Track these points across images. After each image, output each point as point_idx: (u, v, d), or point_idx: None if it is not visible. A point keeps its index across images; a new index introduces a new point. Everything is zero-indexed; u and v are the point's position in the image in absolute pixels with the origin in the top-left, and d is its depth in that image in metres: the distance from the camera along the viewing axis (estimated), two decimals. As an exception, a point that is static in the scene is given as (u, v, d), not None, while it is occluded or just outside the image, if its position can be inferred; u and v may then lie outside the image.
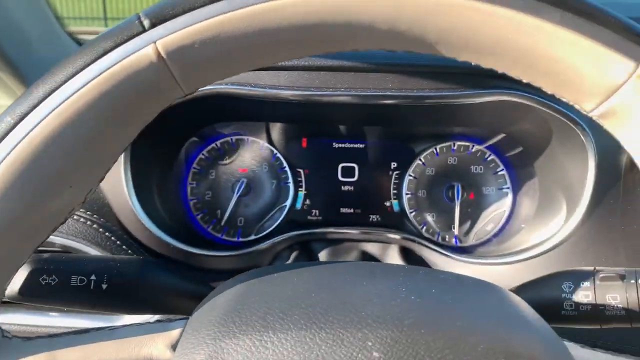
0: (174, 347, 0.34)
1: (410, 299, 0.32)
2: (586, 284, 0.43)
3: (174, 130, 0.69)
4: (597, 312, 0.42)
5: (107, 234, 0.62)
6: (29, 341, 0.34)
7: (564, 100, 0.31)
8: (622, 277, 0.42)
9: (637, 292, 0.42)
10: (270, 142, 0.72)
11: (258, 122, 0.71)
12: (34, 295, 0.42)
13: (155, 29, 0.29)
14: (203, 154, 0.72)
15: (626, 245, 0.59)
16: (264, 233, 0.72)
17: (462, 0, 0.28)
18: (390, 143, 0.72)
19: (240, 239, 0.72)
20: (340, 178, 0.72)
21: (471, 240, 0.71)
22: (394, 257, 0.68)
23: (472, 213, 0.71)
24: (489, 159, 0.71)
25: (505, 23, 0.28)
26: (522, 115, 0.62)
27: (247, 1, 0.28)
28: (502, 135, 0.69)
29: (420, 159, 0.71)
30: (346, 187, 0.72)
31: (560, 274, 0.44)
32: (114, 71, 0.29)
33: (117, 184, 0.62)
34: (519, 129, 0.65)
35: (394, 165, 0.72)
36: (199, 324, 0.33)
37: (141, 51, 0.29)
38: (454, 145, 0.71)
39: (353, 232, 0.69)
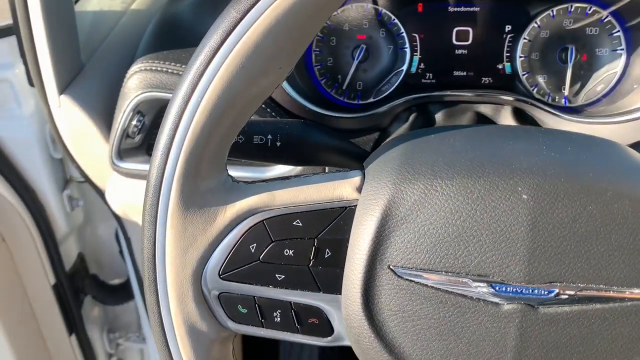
0: (358, 189, 0.42)
1: (550, 155, 0.39)
2: None
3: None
4: None
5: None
6: (252, 184, 0.43)
7: None
8: None
9: None
10: (387, 7, 0.75)
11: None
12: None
13: None
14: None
15: None
16: (382, 96, 0.78)
17: None
18: (505, 6, 0.74)
19: (360, 102, 0.79)
20: (454, 42, 0.76)
21: (580, 100, 0.75)
22: (507, 117, 0.74)
23: (583, 75, 0.74)
24: (605, 20, 0.72)
25: None
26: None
27: None
28: (626, 1, 0.69)
29: (536, 22, 0.73)
30: (460, 51, 0.76)
31: None
32: None
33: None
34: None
35: (508, 28, 0.74)
36: (378, 172, 0.41)
37: None
38: (571, 7, 0.72)
39: (467, 94, 0.74)
